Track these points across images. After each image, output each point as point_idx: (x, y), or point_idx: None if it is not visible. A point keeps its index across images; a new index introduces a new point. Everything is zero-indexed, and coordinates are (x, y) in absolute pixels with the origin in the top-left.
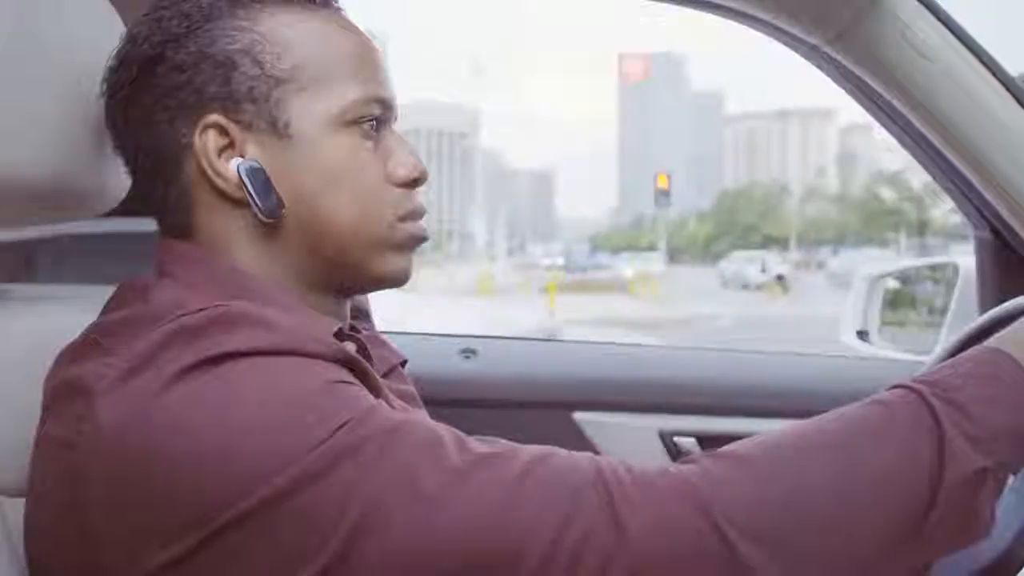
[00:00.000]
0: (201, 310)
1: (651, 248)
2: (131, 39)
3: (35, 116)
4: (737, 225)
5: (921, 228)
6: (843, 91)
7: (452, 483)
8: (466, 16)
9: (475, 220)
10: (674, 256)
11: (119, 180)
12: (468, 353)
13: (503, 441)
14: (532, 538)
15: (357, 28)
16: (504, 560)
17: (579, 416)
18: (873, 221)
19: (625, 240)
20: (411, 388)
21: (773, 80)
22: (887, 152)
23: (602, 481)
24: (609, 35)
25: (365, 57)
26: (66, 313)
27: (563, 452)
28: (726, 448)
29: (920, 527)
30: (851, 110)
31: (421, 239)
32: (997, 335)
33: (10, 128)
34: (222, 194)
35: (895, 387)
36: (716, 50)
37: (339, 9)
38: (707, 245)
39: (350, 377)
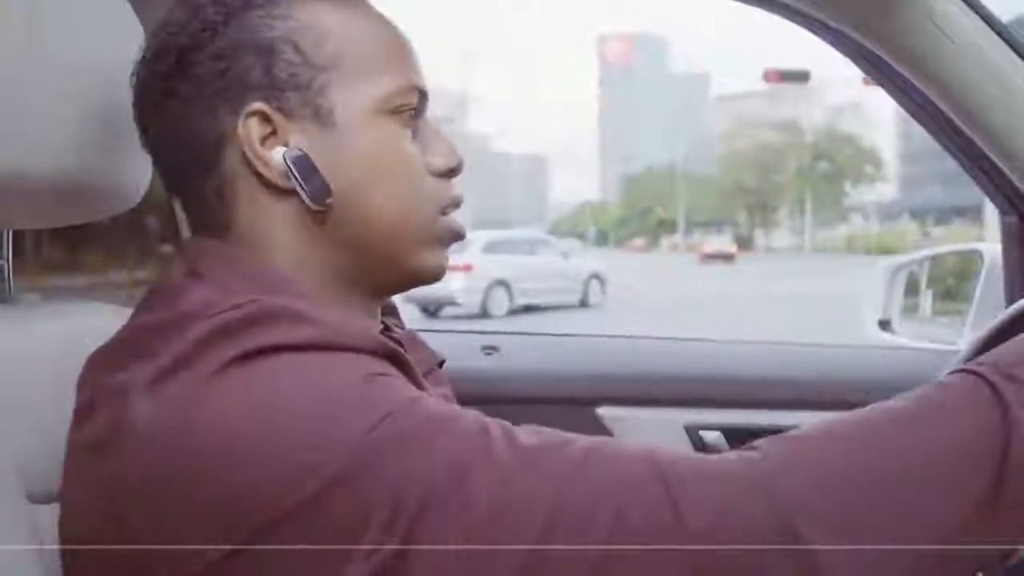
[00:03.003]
0: (239, 306)
1: (581, 235)
2: (165, 27)
3: (49, 115)
4: (637, 209)
5: (765, 210)
6: (867, 76)
7: (504, 474)
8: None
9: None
10: (599, 241)
11: (139, 178)
12: (490, 350)
13: (549, 430)
14: (589, 531)
15: (388, 19)
16: (562, 557)
17: (603, 411)
18: (731, 201)
19: (570, 225)
20: (448, 391)
21: (762, 60)
22: (746, 127)
23: (658, 470)
24: (591, 16)
25: (400, 47)
26: (93, 318)
27: (615, 442)
28: (787, 432)
29: (992, 504)
30: (840, 89)
31: (459, 236)
32: None
33: (25, 127)
34: (265, 183)
35: (953, 372)
36: (701, 30)
37: (368, 2)
38: (616, 229)
39: (393, 370)
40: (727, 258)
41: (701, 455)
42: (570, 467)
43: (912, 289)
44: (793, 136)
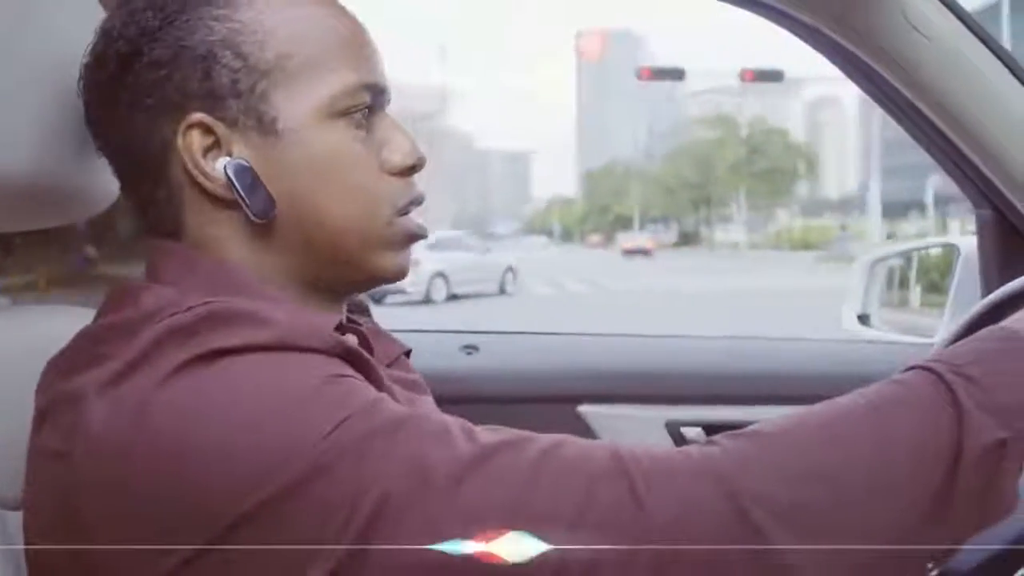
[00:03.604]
0: (194, 307)
1: (548, 230)
2: (105, 34)
3: (17, 116)
4: (596, 205)
5: (708, 205)
6: (843, 73)
7: (463, 473)
8: None
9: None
10: (565, 237)
11: (110, 181)
12: (470, 349)
13: (514, 430)
14: (550, 528)
15: (344, 9)
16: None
17: (584, 409)
18: (676, 196)
19: (541, 222)
20: (417, 377)
21: (737, 56)
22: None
23: (620, 466)
24: (569, 12)
25: (353, 41)
26: (60, 320)
27: (578, 439)
28: (747, 428)
29: (944, 500)
30: (819, 84)
31: (418, 236)
32: (1009, 318)
33: None
34: (210, 195)
35: (909, 368)
36: (677, 27)
37: None
38: (577, 226)
39: (351, 371)
40: (645, 253)
41: (663, 450)
42: (531, 464)
43: (902, 283)
44: (727, 131)
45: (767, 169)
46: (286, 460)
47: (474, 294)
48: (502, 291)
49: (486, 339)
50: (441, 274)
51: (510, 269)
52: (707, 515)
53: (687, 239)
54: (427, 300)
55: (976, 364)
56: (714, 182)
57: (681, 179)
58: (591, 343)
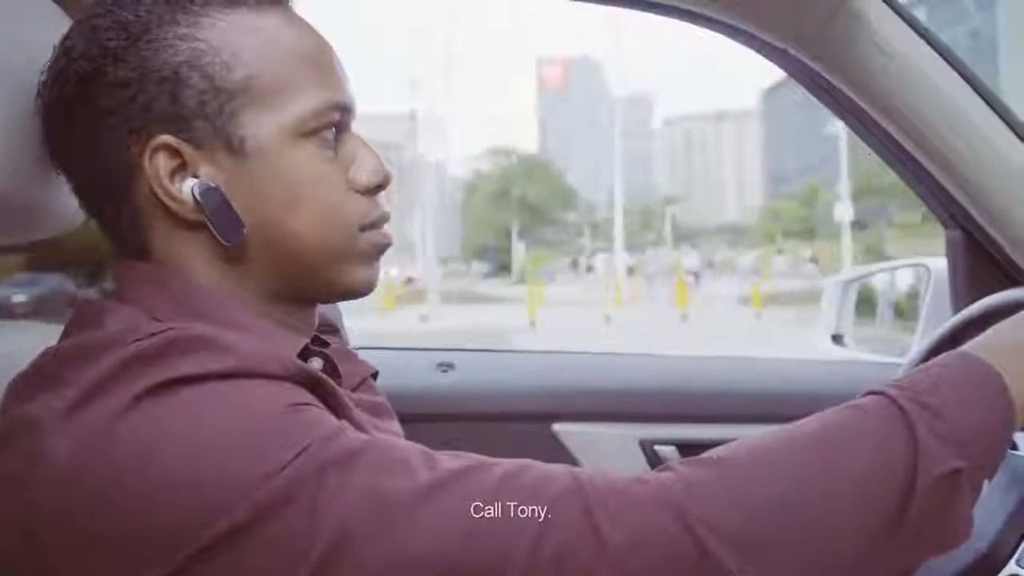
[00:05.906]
0: (155, 334)
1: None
2: (66, 52)
3: None
4: (470, 239)
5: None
6: (811, 94)
7: (422, 501)
8: (397, 24)
9: (416, 230)
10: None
11: (75, 200)
12: (445, 367)
13: (475, 455)
14: (509, 553)
15: (309, 26)
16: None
17: (558, 427)
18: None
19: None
20: (382, 399)
21: (707, 82)
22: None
23: (579, 492)
24: (533, 40)
25: (320, 59)
26: (26, 337)
27: (538, 464)
28: (703, 454)
29: (897, 528)
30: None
31: (384, 247)
32: (970, 342)
33: None
34: (177, 218)
35: (868, 393)
36: (646, 54)
37: (287, 5)
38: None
39: (311, 398)
40: (410, 282)
41: (620, 477)
42: (491, 490)
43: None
44: (502, 160)
45: (535, 204)
46: (245, 492)
47: None
48: None
49: (461, 356)
50: None
51: None
52: (662, 542)
53: (501, 270)
54: None
55: (933, 391)
56: (497, 214)
57: (495, 209)
58: (566, 361)
